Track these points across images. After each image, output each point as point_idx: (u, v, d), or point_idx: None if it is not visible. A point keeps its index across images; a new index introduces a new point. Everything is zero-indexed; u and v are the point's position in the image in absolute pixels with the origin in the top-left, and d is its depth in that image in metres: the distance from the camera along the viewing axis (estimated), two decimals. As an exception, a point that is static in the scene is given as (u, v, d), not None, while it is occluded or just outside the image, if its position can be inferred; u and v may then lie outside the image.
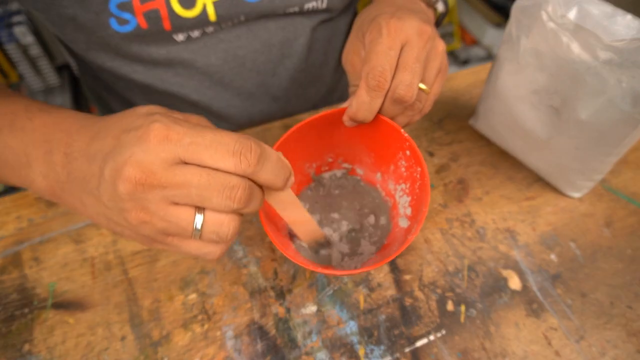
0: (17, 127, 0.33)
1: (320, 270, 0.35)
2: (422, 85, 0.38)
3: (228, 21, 0.48)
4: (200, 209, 0.27)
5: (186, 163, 0.26)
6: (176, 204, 0.26)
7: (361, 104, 0.37)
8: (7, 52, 1.35)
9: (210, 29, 0.48)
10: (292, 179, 0.30)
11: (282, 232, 0.41)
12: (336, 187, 0.47)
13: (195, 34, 0.48)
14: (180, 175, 0.25)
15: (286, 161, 0.29)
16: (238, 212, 0.28)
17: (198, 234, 0.27)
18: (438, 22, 0.49)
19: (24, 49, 1.36)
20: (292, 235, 0.43)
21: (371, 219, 0.45)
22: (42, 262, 0.45)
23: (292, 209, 0.34)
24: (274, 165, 0.27)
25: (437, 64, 0.39)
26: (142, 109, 0.30)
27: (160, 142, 0.25)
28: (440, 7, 0.47)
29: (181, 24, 0.45)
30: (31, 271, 0.45)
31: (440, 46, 0.39)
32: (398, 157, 0.41)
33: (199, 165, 0.26)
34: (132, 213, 0.26)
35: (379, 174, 0.46)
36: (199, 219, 0.27)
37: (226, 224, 0.27)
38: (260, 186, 0.28)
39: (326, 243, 0.41)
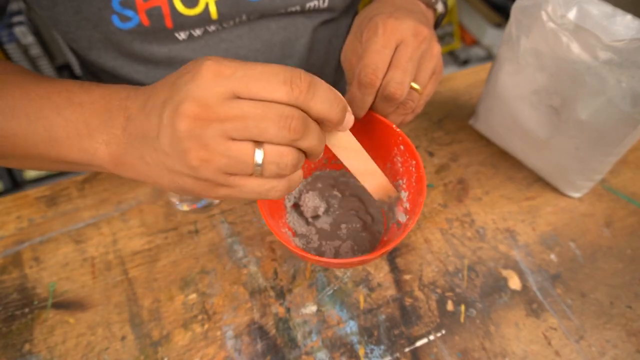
0: (75, 102, 0.33)
1: (314, 258, 0.34)
2: (414, 85, 0.38)
3: (230, 20, 0.48)
4: (258, 145, 0.27)
5: (240, 97, 0.27)
6: (234, 139, 0.27)
7: (352, 100, 0.38)
8: (7, 52, 1.35)
9: (212, 28, 0.48)
10: (351, 117, 0.30)
11: (281, 228, 0.41)
12: (335, 187, 0.47)
13: (197, 32, 0.48)
14: (236, 108, 0.26)
15: (337, 92, 0.29)
16: (296, 146, 0.28)
17: (260, 170, 0.28)
18: (437, 22, 0.49)
19: (24, 49, 1.36)
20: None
21: (370, 217, 0.45)
22: (43, 262, 0.45)
23: (357, 158, 0.34)
24: (325, 92, 0.28)
25: (431, 65, 0.39)
26: (194, 60, 0.30)
27: (214, 77, 0.26)
28: (439, 7, 0.47)
29: (183, 21, 0.45)
30: (31, 271, 0.45)
31: (436, 48, 0.39)
32: (394, 154, 0.42)
33: (252, 99, 0.26)
34: (193, 152, 0.27)
35: None
36: (259, 153, 0.27)
37: (286, 155, 0.28)
38: (318, 123, 0.29)
39: (397, 198, 0.41)
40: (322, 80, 0.28)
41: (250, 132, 0.26)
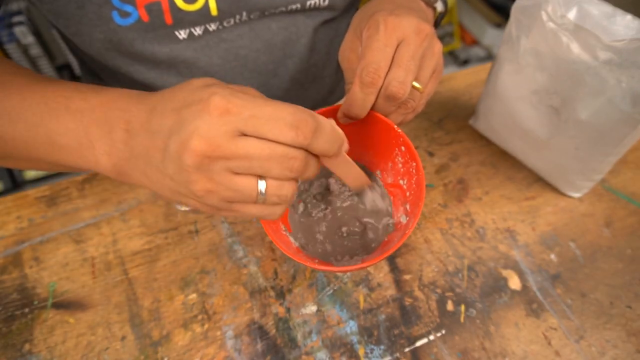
0: (73, 109, 0.33)
1: (318, 267, 0.34)
2: (416, 84, 0.38)
3: (230, 18, 0.48)
4: (261, 177, 0.29)
5: (246, 134, 0.27)
6: (239, 174, 0.28)
7: (354, 100, 0.37)
8: (7, 52, 1.35)
9: (212, 27, 0.48)
10: (346, 145, 0.32)
11: (280, 231, 0.41)
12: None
13: (198, 31, 0.48)
14: (242, 147, 0.27)
15: (339, 130, 0.30)
16: (296, 179, 0.30)
17: (262, 199, 0.29)
18: (437, 22, 0.49)
19: (24, 49, 1.36)
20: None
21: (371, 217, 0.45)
22: (43, 262, 0.45)
23: (344, 167, 0.36)
24: (328, 136, 0.29)
25: (432, 64, 0.39)
26: (197, 82, 0.30)
27: (221, 115, 0.27)
28: (439, 6, 0.47)
29: (182, 17, 0.45)
30: (31, 271, 0.45)
31: (437, 46, 0.39)
32: (395, 154, 0.42)
33: (258, 137, 0.27)
34: (199, 184, 0.28)
35: (378, 172, 0.46)
36: (262, 186, 0.29)
37: (286, 188, 0.29)
38: (316, 155, 0.30)
39: (371, 187, 0.43)
40: (326, 122, 0.29)
41: (254, 170, 0.28)
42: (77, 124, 0.33)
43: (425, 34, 0.37)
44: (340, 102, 0.40)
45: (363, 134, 0.43)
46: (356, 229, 0.45)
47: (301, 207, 0.45)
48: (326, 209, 0.45)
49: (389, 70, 0.36)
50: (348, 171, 0.36)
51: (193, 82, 0.30)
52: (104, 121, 0.32)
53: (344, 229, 0.45)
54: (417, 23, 0.37)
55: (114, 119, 0.32)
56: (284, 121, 0.27)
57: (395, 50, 0.37)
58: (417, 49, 0.37)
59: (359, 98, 0.37)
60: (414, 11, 0.40)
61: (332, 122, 0.30)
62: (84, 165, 0.34)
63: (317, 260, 0.41)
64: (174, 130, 0.28)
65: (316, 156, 0.31)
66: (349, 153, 0.46)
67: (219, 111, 0.27)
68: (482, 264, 0.45)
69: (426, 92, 0.40)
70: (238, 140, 0.27)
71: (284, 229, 0.42)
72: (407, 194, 0.41)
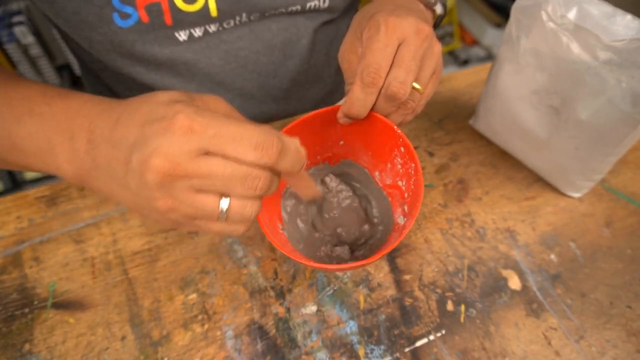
0: (36, 113, 0.33)
1: (315, 265, 0.34)
2: (416, 85, 0.38)
3: (230, 19, 0.48)
4: (224, 195, 0.28)
5: (210, 153, 0.27)
6: (201, 191, 0.28)
7: (355, 99, 0.37)
8: (7, 52, 1.35)
9: (212, 28, 0.48)
10: (305, 164, 0.32)
11: (277, 229, 0.41)
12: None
13: (198, 33, 0.48)
14: (205, 166, 0.26)
15: (303, 150, 0.30)
16: (259, 196, 0.30)
17: (224, 217, 0.29)
18: (436, 24, 0.49)
19: (24, 49, 1.36)
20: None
21: (371, 214, 0.45)
22: (42, 262, 0.45)
23: (299, 180, 0.36)
24: (292, 156, 0.29)
25: (432, 64, 0.39)
26: (163, 96, 0.30)
27: (184, 134, 0.26)
28: (438, 9, 0.47)
29: (182, 18, 0.45)
30: (31, 271, 0.45)
31: (437, 47, 0.39)
32: (394, 155, 0.42)
33: (222, 156, 0.27)
34: (160, 201, 0.28)
35: (377, 173, 0.46)
36: (224, 204, 0.28)
37: (249, 206, 0.29)
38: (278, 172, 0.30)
39: (321, 199, 0.44)
40: (291, 142, 0.29)
41: (217, 188, 0.27)
42: (38, 129, 0.33)
43: (425, 34, 0.37)
44: (340, 102, 0.40)
45: (363, 135, 0.43)
46: (354, 230, 0.45)
47: (301, 225, 0.45)
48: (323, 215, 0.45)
49: (389, 71, 0.36)
50: (303, 185, 0.37)
51: (159, 95, 0.30)
52: (65, 128, 0.32)
53: (338, 230, 0.45)
54: (417, 24, 0.37)
55: (77, 127, 0.32)
56: (249, 141, 0.27)
57: (396, 50, 0.37)
58: (418, 49, 0.37)
59: (359, 98, 0.37)
60: (414, 12, 0.40)
61: (296, 141, 0.29)
62: (47, 170, 0.34)
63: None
64: (136, 146, 0.27)
65: (278, 173, 0.30)
66: (349, 152, 0.46)
67: (183, 130, 0.26)
68: (482, 264, 0.45)
69: (426, 92, 0.40)
70: (200, 159, 0.26)
71: (281, 227, 0.42)
72: (406, 195, 0.41)
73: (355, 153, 0.46)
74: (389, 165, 0.43)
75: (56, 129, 0.32)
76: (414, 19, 0.37)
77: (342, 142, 0.45)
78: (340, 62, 0.43)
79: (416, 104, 0.39)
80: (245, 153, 0.27)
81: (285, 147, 0.28)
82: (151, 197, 0.27)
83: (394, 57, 0.36)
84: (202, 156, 0.27)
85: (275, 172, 0.29)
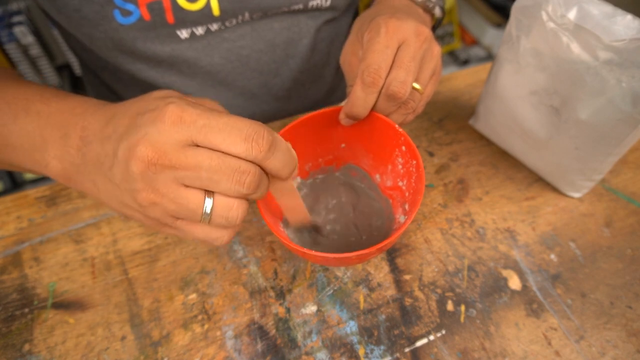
0: (32, 112, 0.33)
1: (311, 254, 0.34)
2: (416, 85, 0.38)
3: (232, 18, 0.48)
4: (209, 193, 0.27)
5: (199, 145, 0.26)
6: (186, 186, 0.27)
7: (356, 99, 0.38)
8: (7, 52, 1.35)
9: (214, 27, 0.48)
10: (297, 170, 0.31)
11: (278, 223, 0.41)
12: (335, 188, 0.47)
13: (199, 31, 0.48)
14: (191, 157, 0.26)
15: (294, 152, 0.29)
16: (246, 198, 0.29)
17: (207, 218, 0.28)
18: (435, 27, 0.50)
19: (24, 49, 1.36)
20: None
21: (371, 220, 0.45)
22: (42, 262, 0.45)
23: (289, 197, 0.35)
24: (283, 154, 0.28)
25: (432, 66, 0.39)
26: (158, 93, 0.30)
27: (174, 124, 0.26)
28: (437, 12, 0.48)
29: (184, 17, 0.45)
30: (31, 271, 0.45)
31: (436, 49, 0.40)
32: (395, 155, 0.42)
33: (211, 149, 0.26)
34: (143, 194, 0.27)
35: (377, 176, 0.46)
36: (208, 203, 0.27)
37: (235, 209, 0.28)
38: (267, 174, 0.29)
39: (312, 228, 0.42)
40: (283, 140, 0.28)
41: (202, 182, 0.26)
42: (33, 126, 0.33)
43: (424, 36, 0.38)
44: (342, 104, 0.40)
45: (364, 135, 0.43)
46: (354, 230, 0.45)
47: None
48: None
49: (389, 71, 0.37)
50: (292, 202, 0.36)
51: (154, 93, 0.30)
52: (60, 125, 0.32)
53: (337, 228, 0.45)
54: (417, 26, 0.38)
55: (71, 124, 0.32)
56: (239, 132, 0.26)
57: (396, 52, 0.37)
58: (418, 51, 0.37)
59: (360, 98, 0.37)
60: (413, 16, 0.41)
61: (288, 144, 0.29)
62: (32, 168, 0.34)
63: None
64: (124, 136, 0.27)
65: (267, 176, 0.29)
66: (350, 156, 0.46)
67: (172, 119, 0.26)
68: (482, 264, 0.45)
69: (426, 93, 0.40)
70: (188, 149, 0.26)
71: (282, 226, 0.42)
72: (406, 194, 0.41)
73: (356, 156, 0.46)
74: (389, 167, 0.43)
75: (51, 126, 0.32)
76: (414, 21, 0.38)
77: (343, 145, 0.45)
78: (342, 64, 0.43)
79: (416, 104, 0.40)
80: (235, 143, 0.26)
81: (277, 142, 0.27)
82: (134, 189, 0.27)
83: (394, 58, 0.37)
84: (190, 147, 0.26)
85: (264, 170, 0.28)
